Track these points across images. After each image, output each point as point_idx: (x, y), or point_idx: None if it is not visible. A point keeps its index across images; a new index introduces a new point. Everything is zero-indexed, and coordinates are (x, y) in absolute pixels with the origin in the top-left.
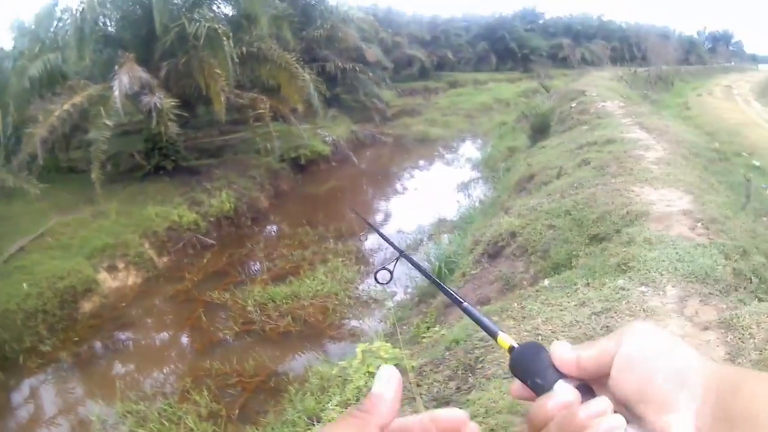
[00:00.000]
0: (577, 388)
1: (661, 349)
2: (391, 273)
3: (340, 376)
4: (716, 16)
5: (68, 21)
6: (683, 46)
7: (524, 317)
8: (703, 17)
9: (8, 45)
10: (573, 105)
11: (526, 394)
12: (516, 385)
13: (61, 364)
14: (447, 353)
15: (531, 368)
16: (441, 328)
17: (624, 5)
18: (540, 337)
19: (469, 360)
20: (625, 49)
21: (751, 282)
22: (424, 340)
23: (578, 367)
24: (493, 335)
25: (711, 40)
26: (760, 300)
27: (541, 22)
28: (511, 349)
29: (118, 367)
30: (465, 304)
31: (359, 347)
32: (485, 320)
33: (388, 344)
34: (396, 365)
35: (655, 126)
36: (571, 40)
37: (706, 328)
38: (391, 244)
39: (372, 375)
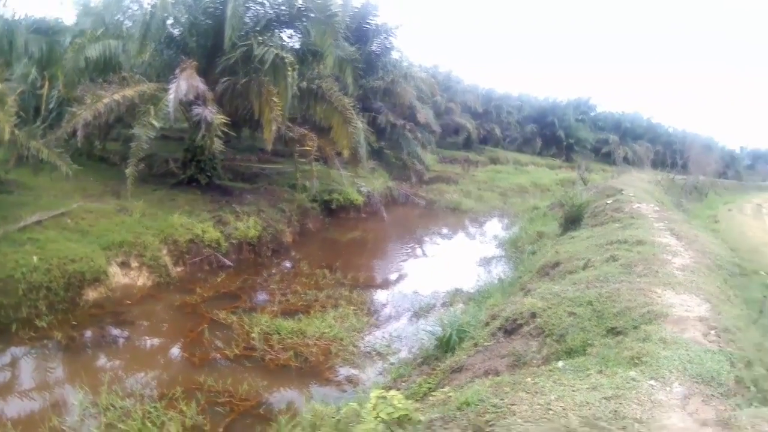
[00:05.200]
0: None
1: None
2: None
3: (334, 417)
4: (760, 133)
5: (137, 13)
6: (724, 159)
7: (536, 392)
8: (748, 133)
9: (70, 20)
10: (609, 201)
11: None
12: None
13: (53, 342)
14: (458, 413)
15: None
16: (450, 389)
17: (674, 111)
18: (551, 412)
19: (479, 422)
20: (668, 154)
21: (749, 390)
22: (431, 397)
23: None
24: None
25: (751, 157)
26: (756, 407)
27: (592, 114)
28: None
29: (110, 361)
30: None
31: (373, 392)
32: None
33: (401, 395)
34: (405, 416)
35: (686, 234)
36: (618, 137)
37: (704, 425)
38: None
39: (383, 421)
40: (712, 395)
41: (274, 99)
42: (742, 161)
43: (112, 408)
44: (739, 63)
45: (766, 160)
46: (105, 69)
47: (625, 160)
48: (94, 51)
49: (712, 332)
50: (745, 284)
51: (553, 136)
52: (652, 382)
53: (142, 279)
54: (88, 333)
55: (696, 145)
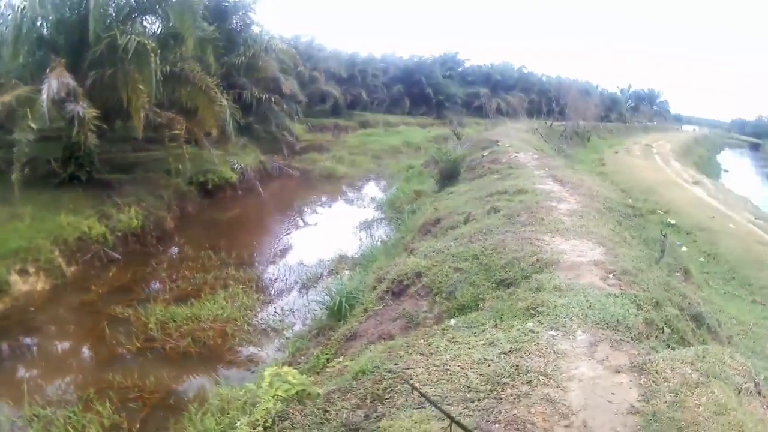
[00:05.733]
0: None
1: None
2: None
3: (241, 399)
4: (643, 75)
5: (9, 17)
6: (604, 103)
7: (431, 353)
8: (631, 76)
9: None
10: (485, 154)
11: None
12: None
13: None
14: (354, 382)
15: None
16: (344, 359)
17: (549, 60)
18: (449, 373)
19: (377, 390)
20: (543, 102)
21: (663, 332)
22: (328, 369)
23: None
24: None
25: (635, 98)
26: (672, 349)
27: (460, 69)
28: None
29: (25, 371)
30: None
31: (267, 371)
32: None
33: (295, 370)
34: (303, 391)
35: (569, 179)
36: (489, 89)
37: (618, 372)
38: (441, 410)
39: (280, 399)
40: (621, 340)
41: (140, 86)
42: (624, 103)
43: (35, 418)
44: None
45: (649, 100)
46: None
47: (499, 111)
48: None
49: (611, 276)
50: (642, 225)
51: (421, 94)
52: (552, 332)
53: (40, 283)
54: (4, 346)
55: (573, 90)
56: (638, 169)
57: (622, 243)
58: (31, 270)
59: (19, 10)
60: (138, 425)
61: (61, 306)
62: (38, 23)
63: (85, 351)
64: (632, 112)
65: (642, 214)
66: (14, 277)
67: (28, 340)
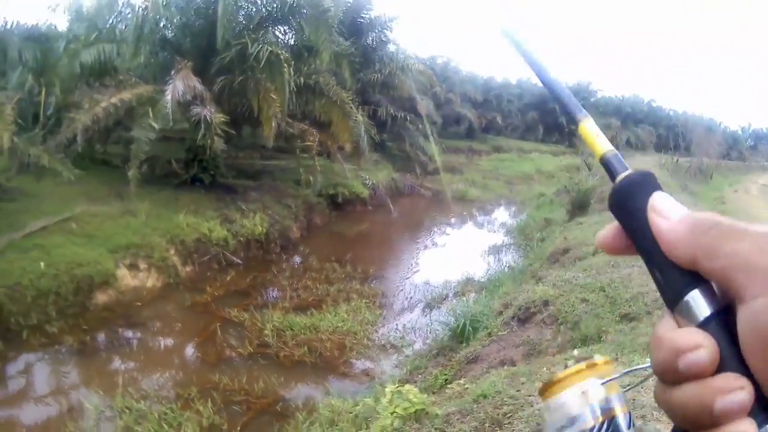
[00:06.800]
0: (718, 313)
1: None
2: None
3: (352, 412)
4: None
5: (129, 16)
6: (726, 141)
7: None
8: (750, 113)
9: (62, 26)
10: None
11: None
12: (612, 231)
13: (65, 347)
14: (475, 405)
15: (644, 234)
16: (465, 381)
17: (674, 93)
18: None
19: (497, 414)
20: (670, 137)
21: None
22: (447, 390)
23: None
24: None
25: (754, 137)
26: None
27: (592, 99)
28: (605, 160)
29: (123, 363)
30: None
31: (388, 387)
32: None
33: (416, 389)
34: (422, 410)
35: None
36: (620, 121)
37: None
38: None
39: (399, 416)
40: None
41: (272, 96)
42: (744, 142)
43: (127, 411)
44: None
45: None
46: (101, 73)
47: (628, 144)
48: (88, 56)
49: None
50: None
51: (554, 122)
52: None
53: (151, 280)
54: (101, 336)
55: (698, 127)
56: (754, 208)
57: None
58: (142, 266)
59: (140, 10)
60: (239, 428)
61: (170, 304)
62: (161, 24)
63: (191, 350)
64: (751, 151)
65: None
66: (122, 271)
67: (129, 334)
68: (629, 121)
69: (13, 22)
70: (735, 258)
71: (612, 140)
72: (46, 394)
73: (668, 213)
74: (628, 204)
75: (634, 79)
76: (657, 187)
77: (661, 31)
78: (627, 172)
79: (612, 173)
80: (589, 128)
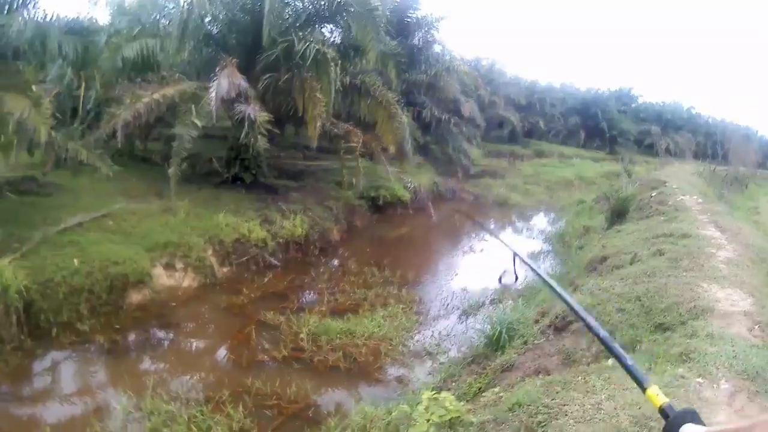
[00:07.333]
0: None
1: None
2: (516, 275)
3: (385, 419)
4: None
5: (173, 11)
6: (763, 150)
7: (587, 391)
8: None
9: (103, 20)
10: (653, 194)
11: None
12: None
13: (95, 346)
14: (510, 414)
15: None
16: (500, 389)
17: (714, 100)
18: (602, 412)
19: (532, 423)
20: (708, 144)
21: None
22: (481, 398)
23: None
24: (641, 386)
25: None
26: None
27: (633, 105)
28: (664, 411)
29: (154, 364)
30: (604, 333)
31: (425, 394)
32: (632, 366)
33: (452, 396)
34: (457, 418)
35: (729, 226)
36: (660, 128)
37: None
38: (505, 243)
39: (434, 424)
40: (758, 392)
41: (318, 95)
42: None
43: (156, 412)
44: None
45: None
46: (143, 68)
47: (667, 151)
48: (131, 50)
49: (757, 327)
50: None
51: (596, 128)
52: (699, 379)
53: (187, 280)
54: (132, 336)
55: (736, 135)
56: None
57: None
58: (179, 266)
59: (185, 5)
60: None
61: (205, 305)
62: (206, 20)
63: (224, 352)
64: None
65: None
66: (158, 270)
67: (161, 334)
68: (669, 128)
69: (53, 15)
70: None
71: (651, 146)
72: (72, 393)
73: None
74: None
75: (674, 86)
76: (691, 420)
77: (703, 37)
78: (677, 411)
79: (666, 417)
80: (653, 392)
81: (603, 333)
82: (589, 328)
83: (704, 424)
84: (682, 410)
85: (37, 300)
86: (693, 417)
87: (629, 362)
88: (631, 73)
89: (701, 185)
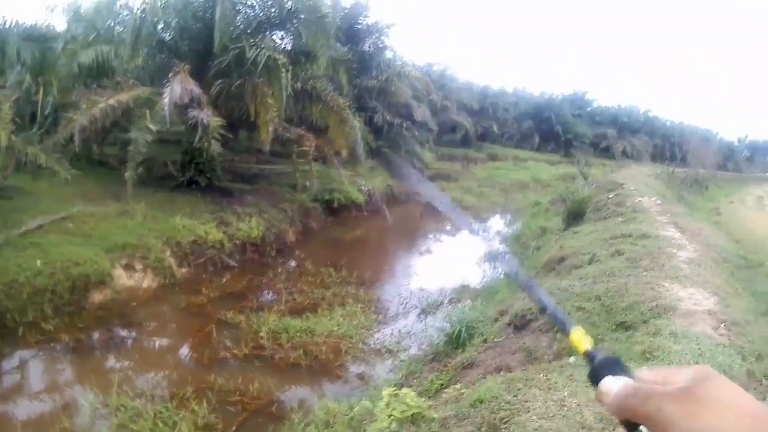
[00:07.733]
0: None
1: None
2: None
3: (348, 415)
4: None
5: (127, 18)
6: (722, 152)
7: (550, 388)
8: (747, 124)
9: (60, 26)
10: (610, 196)
11: None
12: None
13: (60, 345)
14: (472, 410)
15: None
16: (462, 386)
17: (671, 103)
18: (565, 409)
19: (494, 419)
20: (666, 147)
21: (761, 384)
22: (443, 394)
23: None
24: (564, 331)
25: (750, 148)
26: None
27: (588, 109)
28: (588, 354)
29: (118, 362)
30: (524, 277)
31: (385, 391)
32: (555, 310)
33: (413, 392)
34: (418, 414)
35: (689, 227)
36: (616, 131)
37: None
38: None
39: (396, 419)
40: None
41: (269, 100)
42: (741, 153)
43: (123, 409)
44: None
45: (764, 151)
46: (99, 74)
47: (624, 154)
48: (86, 57)
49: (722, 326)
50: (752, 277)
51: (550, 131)
52: None
53: (147, 281)
54: (96, 335)
55: (694, 137)
56: (750, 220)
57: (734, 294)
58: (138, 267)
59: (138, 12)
60: (234, 428)
61: (166, 304)
62: (159, 27)
63: (186, 350)
64: (748, 162)
65: (752, 266)
66: (118, 271)
67: (124, 333)
68: (625, 131)
69: (11, 21)
70: (648, 419)
71: (607, 149)
72: (41, 391)
73: (607, 394)
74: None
75: (630, 90)
76: (613, 371)
77: (659, 41)
78: (599, 358)
79: (592, 360)
80: (576, 335)
81: (523, 277)
82: (509, 274)
83: (629, 372)
84: (605, 357)
85: (2, 300)
86: (616, 366)
87: (551, 307)
88: (586, 78)
89: (660, 187)
